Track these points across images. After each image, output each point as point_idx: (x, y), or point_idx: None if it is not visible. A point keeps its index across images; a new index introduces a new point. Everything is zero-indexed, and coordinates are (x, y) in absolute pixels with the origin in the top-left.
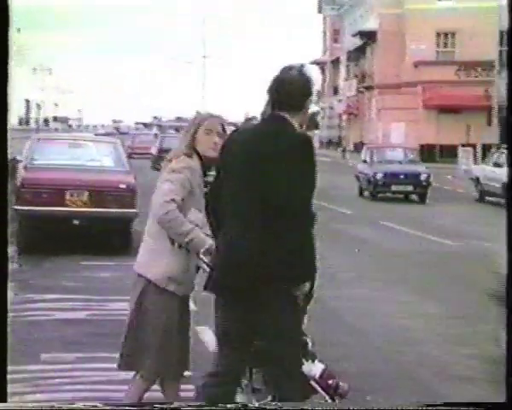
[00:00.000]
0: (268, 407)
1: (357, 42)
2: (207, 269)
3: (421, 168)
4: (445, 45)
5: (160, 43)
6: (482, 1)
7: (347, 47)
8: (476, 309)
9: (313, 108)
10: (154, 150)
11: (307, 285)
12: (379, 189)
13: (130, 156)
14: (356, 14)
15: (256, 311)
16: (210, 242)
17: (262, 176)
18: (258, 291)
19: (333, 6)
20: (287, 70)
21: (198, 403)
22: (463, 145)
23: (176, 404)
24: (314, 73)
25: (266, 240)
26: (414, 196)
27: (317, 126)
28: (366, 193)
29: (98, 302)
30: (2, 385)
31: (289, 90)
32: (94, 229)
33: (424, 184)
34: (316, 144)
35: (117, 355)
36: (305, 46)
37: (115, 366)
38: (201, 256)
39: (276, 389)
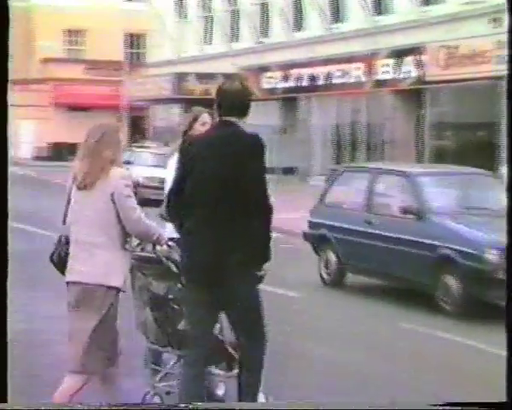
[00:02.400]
0: (268, 408)
1: None
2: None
3: None
4: (75, 43)
5: None
6: (109, 1)
7: None
8: None
9: None
10: None
11: (267, 265)
12: None
13: None
14: None
15: (226, 293)
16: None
17: (222, 176)
18: (227, 276)
19: None
20: (229, 80)
21: (199, 403)
22: None
23: (182, 405)
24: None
25: (229, 231)
26: None
27: None
28: None
29: None
30: (3, 385)
31: (234, 98)
32: None
33: None
34: None
35: None
36: None
37: None
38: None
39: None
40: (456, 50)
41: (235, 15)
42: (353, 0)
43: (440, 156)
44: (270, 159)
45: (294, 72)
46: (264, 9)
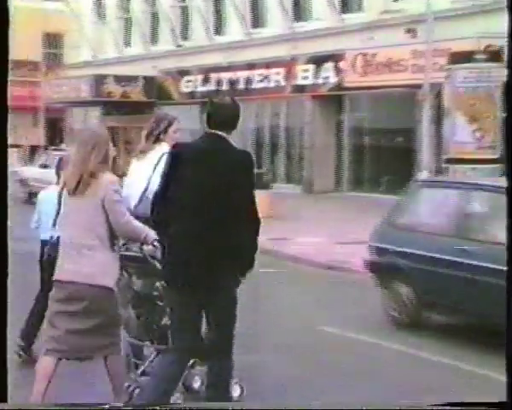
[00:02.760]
0: (268, 408)
1: None
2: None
3: None
4: None
5: None
6: (28, 2)
7: None
8: None
9: None
10: None
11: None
12: None
13: None
14: None
15: (209, 295)
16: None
17: (212, 186)
18: (212, 280)
19: None
20: (219, 96)
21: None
22: (11, 146)
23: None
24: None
25: (216, 238)
26: None
27: None
28: None
29: None
30: (3, 385)
31: (225, 113)
32: None
33: None
34: None
35: None
36: None
37: None
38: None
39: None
40: (374, 58)
41: (154, 17)
42: (273, 6)
43: (359, 161)
44: None
45: (214, 76)
46: (185, 12)
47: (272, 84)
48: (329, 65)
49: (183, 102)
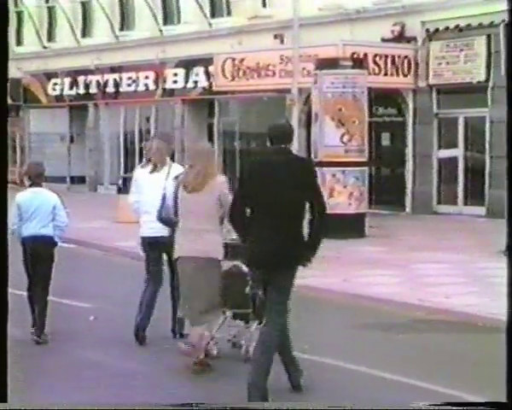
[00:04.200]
0: (268, 408)
1: None
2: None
3: None
4: None
5: None
6: None
7: None
8: None
9: None
10: None
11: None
12: None
13: None
14: None
15: (275, 276)
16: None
17: (283, 188)
18: (278, 266)
19: None
20: (277, 121)
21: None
22: None
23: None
24: None
25: (282, 234)
26: None
27: None
28: None
29: None
30: (2, 385)
31: (283, 131)
32: None
33: None
34: None
35: None
36: None
37: None
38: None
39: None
40: (242, 63)
41: (18, 18)
42: (142, 9)
43: (230, 165)
44: (60, 168)
45: (81, 79)
46: (51, 14)
47: (141, 88)
48: (199, 69)
49: (50, 106)
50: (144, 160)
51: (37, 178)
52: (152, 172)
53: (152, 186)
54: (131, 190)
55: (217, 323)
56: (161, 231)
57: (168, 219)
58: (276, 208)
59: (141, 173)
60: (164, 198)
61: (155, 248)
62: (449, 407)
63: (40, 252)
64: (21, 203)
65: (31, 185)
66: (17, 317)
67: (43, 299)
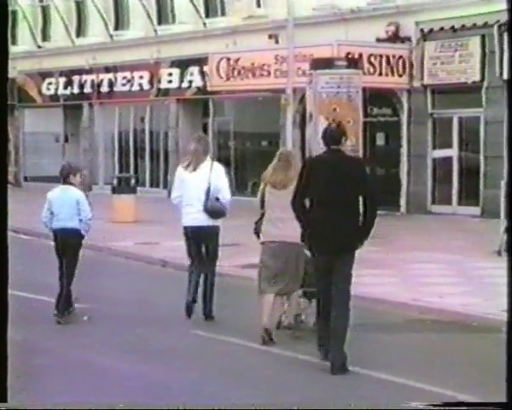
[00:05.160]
0: (268, 408)
1: None
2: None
3: None
4: None
5: None
6: None
7: None
8: None
9: None
10: None
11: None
12: None
13: None
14: None
15: (337, 262)
16: None
17: (338, 183)
18: (339, 251)
19: None
20: (329, 125)
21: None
22: None
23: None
24: None
25: (341, 221)
26: None
27: None
28: None
29: None
30: (3, 385)
31: (336, 134)
32: None
33: None
34: None
35: None
36: None
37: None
38: None
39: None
40: (237, 63)
41: (13, 18)
42: (137, 8)
43: (225, 165)
44: (55, 167)
45: (76, 78)
46: (45, 13)
47: (136, 88)
48: (194, 69)
49: (44, 105)
50: (186, 160)
51: (66, 177)
52: (193, 170)
53: (195, 183)
54: (174, 186)
55: (291, 299)
56: (204, 221)
57: (214, 210)
58: (334, 201)
59: (183, 172)
60: (208, 192)
61: (197, 235)
62: (449, 408)
63: (67, 242)
64: (51, 199)
65: (63, 183)
66: (17, 319)
67: (69, 278)
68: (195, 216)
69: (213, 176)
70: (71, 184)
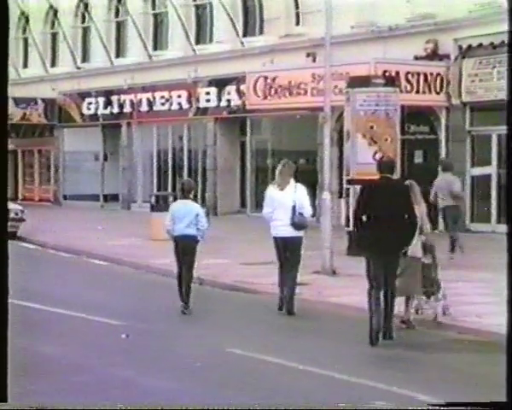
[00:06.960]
0: (272, 408)
1: None
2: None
3: None
4: None
5: None
6: None
7: None
8: None
9: None
10: None
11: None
12: None
13: None
14: None
15: (389, 259)
16: None
17: (388, 204)
18: (391, 251)
19: None
20: (382, 157)
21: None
22: None
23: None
24: None
25: (390, 232)
26: None
27: None
28: None
29: None
30: (2, 385)
31: (387, 164)
32: None
33: None
34: None
35: None
36: None
37: None
38: None
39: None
40: (274, 81)
41: (54, 39)
42: (175, 28)
43: (262, 183)
44: (94, 186)
45: (115, 98)
46: (85, 34)
47: (174, 107)
48: (231, 88)
49: (84, 125)
50: (275, 182)
51: (187, 192)
52: (280, 190)
53: (282, 200)
54: (265, 203)
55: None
56: (292, 232)
57: (299, 223)
58: (386, 216)
59: (273, 191)
60: (294, 208)
61: (285, 244)
62: (449, 408)
63: (186, 246)
64: (174, 210)
65: (182, 198)
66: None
67: (188, 279)
68: (283, 228)
69: (297, 195)
70: (189, 198)
